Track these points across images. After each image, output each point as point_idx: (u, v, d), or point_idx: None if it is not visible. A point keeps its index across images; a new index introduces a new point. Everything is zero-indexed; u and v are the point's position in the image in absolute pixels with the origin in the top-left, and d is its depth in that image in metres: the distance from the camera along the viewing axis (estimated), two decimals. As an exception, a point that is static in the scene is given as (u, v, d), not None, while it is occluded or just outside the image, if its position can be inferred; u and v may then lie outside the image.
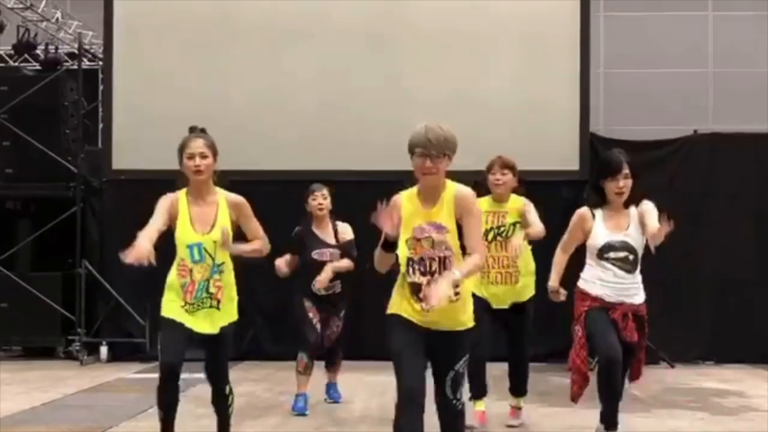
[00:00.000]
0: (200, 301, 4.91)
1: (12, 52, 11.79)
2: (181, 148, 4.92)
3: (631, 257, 5.18)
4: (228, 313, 5.00)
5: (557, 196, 9.31)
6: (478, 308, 4.69)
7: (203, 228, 4.90)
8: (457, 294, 4.07)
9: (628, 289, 5.20)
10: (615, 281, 5.19)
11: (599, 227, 5.25)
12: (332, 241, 7.07)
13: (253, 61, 10.04)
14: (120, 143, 10.03)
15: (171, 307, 4.93)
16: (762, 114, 12.29)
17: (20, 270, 10.38)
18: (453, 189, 4.22)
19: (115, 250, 10.91)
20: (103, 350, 10.10)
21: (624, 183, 5.19)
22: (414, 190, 4.29)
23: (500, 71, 9.94)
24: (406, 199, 4.29)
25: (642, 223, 5.17)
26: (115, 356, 10.08)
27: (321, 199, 7.05)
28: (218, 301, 4.93)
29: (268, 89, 10.00)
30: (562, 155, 9.83)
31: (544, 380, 8.29)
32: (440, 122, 4.27)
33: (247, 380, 8.68)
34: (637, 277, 5.25)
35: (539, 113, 9.87)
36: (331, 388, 7.46)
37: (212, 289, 4.91)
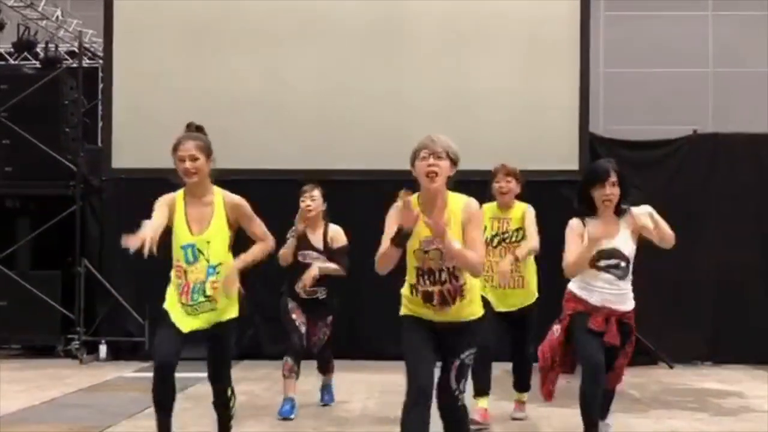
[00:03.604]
0: (198, 305, 4.83)
1: (12, 50, 11.80)
2: (174, 149, 4.88)
3: (623, 264, 5.16)
4: (225, 311, 4.91)
5: (557, 196, 9.30)
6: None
7: (198, 228, 4.83)
8: (464, 290, 4.33)
9: (616, 296, 5.18)
10: (604, 287, 5.16)
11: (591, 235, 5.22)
12: (320, 245, 6.86)
13: (253, 61, 10.03)
14: (120, 142, 10.03)
15: (171, 300, 4.88)
16: (762, 114, 12.30)
17: (20, 268, 10.37)
18: (460, 201, 4.34)
19: (115, 248, 10.96)
20: (103, 349, 10.10)
21: (611, 190, 5.12)
22: (415, 197, 4.31)
23: (500, 71, 9.93)
24: (414, 202, 4.28)
25: (636, 231, 5.15)
26: (115, 355, 10.08)
27: (309, 201, 6.83)
28: (216, 302, 4.85)
29: (267, 88, 9.99)
30: (562, 155, 9.82)
31: (544, 380, 8.28)
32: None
33: (247, 380, 8.67)
34: (628, 284, 5.23)
35: (539, 113, 9.87)
36: (325, 391, 7.29)
37: (209, 291, 4.83)
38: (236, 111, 9.90)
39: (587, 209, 5.23)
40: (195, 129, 4.98)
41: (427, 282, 4.33)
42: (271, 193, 9.41)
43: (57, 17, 11.53)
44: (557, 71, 9.94)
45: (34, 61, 11.69)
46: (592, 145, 9.95)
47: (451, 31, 9.98)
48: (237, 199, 4.94)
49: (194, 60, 10.05)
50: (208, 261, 4.80)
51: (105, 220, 10.32)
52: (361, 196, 9.05)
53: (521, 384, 6.73)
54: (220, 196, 4.91)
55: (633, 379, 8.02)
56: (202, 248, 4.80)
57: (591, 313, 5.17)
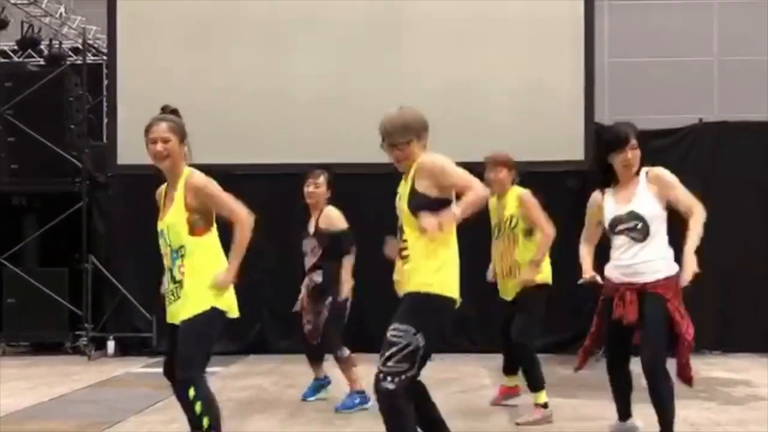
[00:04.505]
0: (172, 291, 4.62)
1: (16, 47, 11.80)
2: (146, 131, 4.68)
3: (639, 225, 4.97)
4: (192, 304, 4.52)
5: (562, 186, 9.30)
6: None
7: (166, 214, 4.66)
8: (404, 252, 4.29)
9: (637, 266, 4.98)
10: (624, 258, 4.99)
11: (608, 204, 5.12)
12: (312, 228, 6.85)
13: (257, 56, 10.01)
14: (125, 138, 10.01)
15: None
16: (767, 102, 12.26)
17: (27, 265, 10.40)
18: (417, 161, 4.30)
19: (121, 244, 11.03)
20: (110, 345, 10.12)
21: (632, 154, 5.02)
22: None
23: (504, 61, 9.90)
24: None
25: (656, 192, 5.00)
26: (123, 351, 10.10)
27: (312, 188, 6.82)
28: (182, 288, 4.57)
29: (271, 83, 9.96)
30: (567, 145, 9.80)
31: (552, 371, 8.24)
32: (404, 107, 4.36)
33: (254, 374, 8.69)
34: (652, 252, 4.99)
35: (544, 103, 9.83)
36: (347, 397, 6.90)
37: (178, 276, 4.58)
38: (241, 106, 9.89)
39: (606, 177, 5.14)
40: (170, 112, 4.78)
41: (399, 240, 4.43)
42: (275, 187, 9.44)
43: (61, 14, 11.54)
44: (562, 61, 9.90)
45: (38, 59, 11.69)
46: (597, 135, 9.91)
47: (455, 23, 9.94)
48: (197, 180, 4.61)
49: (198, 55, 10.04)
50: (170, 246, 4.60)
51: (111, 216, 10.34)
52: (363, 189, 9.03)
53: (507, 367, 6.76)
54: (185, 177, 4.63)
55: (641, 369, 8.00)
56: (166, 234, 4.61)
57: (614, 294, 5.03)
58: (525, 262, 6.34)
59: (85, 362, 9.69)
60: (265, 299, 9.85)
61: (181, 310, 4.55)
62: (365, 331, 9.44)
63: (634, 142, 5.02)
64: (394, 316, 4.26)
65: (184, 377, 4.50)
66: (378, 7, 10.01)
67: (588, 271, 5.20)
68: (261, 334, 10.02)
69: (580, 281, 5.24)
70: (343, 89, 9.91)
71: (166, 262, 4.63)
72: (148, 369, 9.12)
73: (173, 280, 4.60)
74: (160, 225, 4.66)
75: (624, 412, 5.36)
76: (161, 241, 4.66)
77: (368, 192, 8.81)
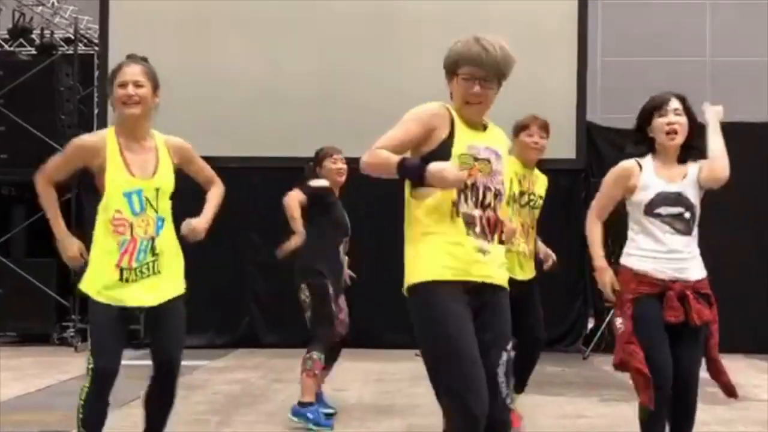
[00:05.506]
0: (144, 266, 3.99)
1: (7, 36, 11.74)
2: (113, 75, 3.98)
3: (687, 215, 4.19)
4: (174, 280, 4.07)
5: (554, 186, 9.26)
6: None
7: (143, 173, 3.98)
8: (502, 231, 3.38)
9: (683, 261, 4.18)
10: (665, 250, 4.14)
11: (649, 177, 4.20)
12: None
13: (250, 48, 10.01)
14: (115, 129, 9.99)
15: (98, 281, 4.05)
16: (761, 103, 12.27)
17: (15, 256, 10.38)
18: (498, 128, 3.52)
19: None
20: (98, 336, 10.08)
21: (676, 119, 4.19)
22: (452, 106, 3.52)
23: (497, 59, 9.90)
24: (455, 111, 3.53)
25: (700, 177, 4.27)
26: (110, 343, 10.06)
27: (341, 164, 6.08)
28: (160, 263, 4.02)
29: (265, 76, 9.97)
30: (559, 144, 9.72)
31: (540, 369, 8.26)
32: (494, 36, 3.37)
33: (242, 368, 8.68)
34: (693, 244, 4.27)
35: (536, 102, 9.78)
36: (320, 398, 6.12)
37: (159, 249, 4.00)
38: (233, 98, 9.88)
39: (643, 149, 4.31)
40: (140, 59, 4.16)
41: (470, 202, 3.30)
42: (265, 180, 9.41)
43: (53, 3, 11.48)
44: (555, 60, 9.92)
45: (29, 48, 11.63)
46: (589, 134, 9.94)
47: (450, 20, 9.91)
48: (180, 141, 4.19)
49: (190, 47, 10.02)
50: (156, 212, 4.00)
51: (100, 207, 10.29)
52: (359, 183, 9.02)
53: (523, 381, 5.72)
54: (161, 138, 4.11)
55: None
56: (150, 197, 3.98)
57: (663, 293, 4.10)
58: (532, 250, 5.71)
59: (71, 353, 9.65)
60: (254, 292, 9.83)
61: (165, 289, 4.05)
62: (353, 327, 9.48)
63: (678, 107, 4.24)
64: (506, 317, 3.34)
65: (179, 359, 4.11)
66: (372, 5, 10.01)
67: (600, 258, 4.23)
68: (249, 328, 9.99)
69: (597, 268, 4.20)
70: (340, 85, 9.94)
71: (143, 228, 3.98)
72: (133, 361, 9.03)
73: (152, 251, 3.99)
74: (137, 184, 3.98)
75: None
76: (131, 202, 3.99)
77: (362, 185, 8.78)
